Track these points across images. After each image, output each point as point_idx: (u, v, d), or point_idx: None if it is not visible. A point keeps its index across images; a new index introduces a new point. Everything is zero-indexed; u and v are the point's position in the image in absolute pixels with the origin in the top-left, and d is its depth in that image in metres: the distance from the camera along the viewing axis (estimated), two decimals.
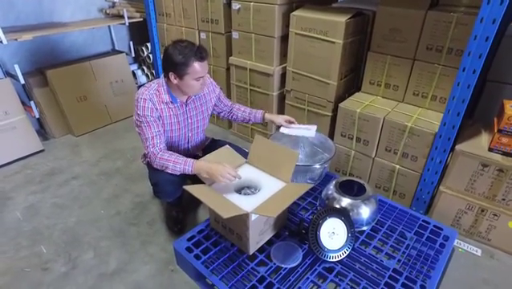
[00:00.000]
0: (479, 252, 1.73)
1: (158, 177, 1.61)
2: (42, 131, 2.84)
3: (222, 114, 1.90)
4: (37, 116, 2.57)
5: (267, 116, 1.85)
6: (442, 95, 1.87)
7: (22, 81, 2.37)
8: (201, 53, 1.47)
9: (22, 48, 2.59)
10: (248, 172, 1.64)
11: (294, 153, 1.57)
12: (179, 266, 1.65)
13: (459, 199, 1.75)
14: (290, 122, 1.83)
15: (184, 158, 1.54)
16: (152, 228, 1.89)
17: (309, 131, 1.83)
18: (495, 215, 1.68)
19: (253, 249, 1.52)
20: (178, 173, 1.54)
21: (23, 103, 2.51)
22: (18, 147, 2.45)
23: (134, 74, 3.31)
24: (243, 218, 1.40)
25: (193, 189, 1.44)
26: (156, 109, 1.56)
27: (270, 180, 1.60)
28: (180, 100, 1.64)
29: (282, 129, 1.85)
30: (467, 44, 1.48)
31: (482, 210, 1.71)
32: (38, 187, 2.21)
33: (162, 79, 1.60)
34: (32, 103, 2.50)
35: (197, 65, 1.46)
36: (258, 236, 1.51)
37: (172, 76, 1.51)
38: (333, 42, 1.96)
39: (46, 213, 2.00)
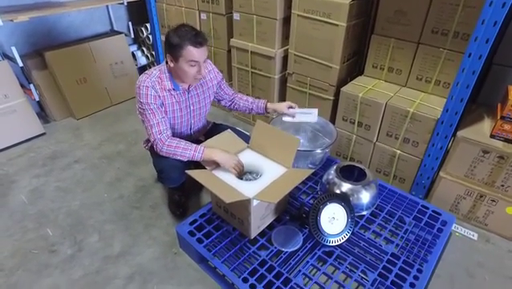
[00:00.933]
0: (475, 236, 1.76)
1: (163, 164, 1.62)
2: (42, 114, 2.84)
3: (223, 102, 1.89)
4: (37, 99, 2.55)
5: (270, 105, 1.83)
6: (446, 80, 1.84)
7: (21, 63, 2.34)
8: (197, 38, 1.44)
9: (18, 29, 2.54)
10: (249, 158, 1.65)
11: (296, 139, 1.57)
12: (182, 249, 1.69)
13: (458, 185, 1.77)
14: (292, 107, 1.81)
15: (194, 145, 1.56)
16: (155, 212, 1.93)
17: (310, 115, 1.82)
18: (493, 201, 1.70)
19: (254, 233, 1.55)
20: (186, 160, 1.56)
21: (23, 86, 2.49)
22: (19, 130, 2.46)
23: (134, 55, 3.26)
24: (245, 204, 1.42)
25: (195, 173, 1.46)
26: (159, 96, 1.55)
27: (272, 165, 1.61)
28: (183, 87, 1.63)
29: (284, 118, 1.85)
30: (474, 29, 1.44)
31: (481, 196, 1.73)
32: (42, 170, 2.24)
33: (164, 66, 1.58)
34: (31, 86, 2.48)
35: (191, 48, 1.44)
36: (259, 220, 1.54)
37: (169, 58, 1.51)
38: (336, 25, 1.91)
39: (50, 196, 2.03)
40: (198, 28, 2.59)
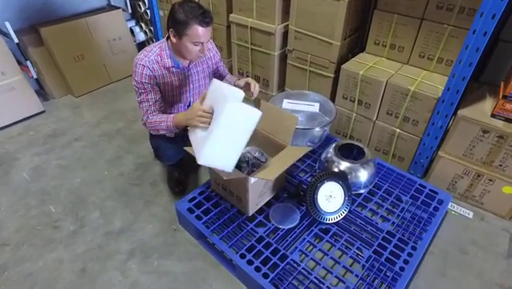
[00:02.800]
0: (471, 215, 1.79)
1: (158, 142, 1.63)
2: (41, 91, 2.82)
3: (222, 74, 1.86)
4: (35, 77, 2.52)
5: (237, 82, 1.75)
6: (449, 58, 1.80)
7: (16, 39, 2.30)
8: (204, 17, 1.38)
9: (11, 4, 2.47)
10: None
11: (294, 117, 1.56)
12: (181, 225, 1.73)
13: (457, 164, 1.77)
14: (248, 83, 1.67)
15: (165, 115, 1.54)
16: (155, 189, 1.95)
17: (312, 107, 1.83)
18: (490, 180, 1.71)
19: (252, 210, 1.58)
20: (168, 131, 1.55)
21: (19, 63, 2.46)
22: (18, 108, 2.45)
23: (132, 31, 3.19)
24: (243, 181, 1.44)
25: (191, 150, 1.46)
26: (155, 76, 1.53)
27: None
28: (183, 65, 1.60)
29: (284, 104, 1.84)
30: (481, 3, 1.39)
31: (478, 175, 1.73)
32: (42, 148, 2.25)
33: (164, 42, 1.54)
34: (28, 62, 2.45)
35: (197, 28, 1.39)
36: (257, 198, 1.56)
37: (171, 33, 1.46)
38: (338, 0, 1.85)
39: (51, 173, 2.06)
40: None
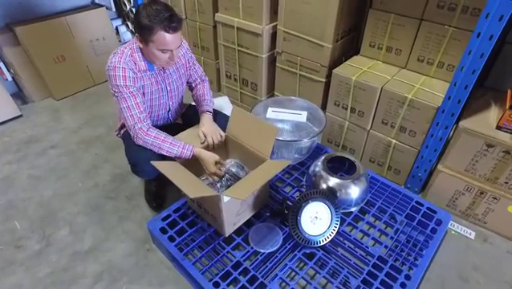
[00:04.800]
0: (473, 235, 1.63)
1: (137, 157, 1.48)
2: (20, 94, 2.68)
3: (193, 84, 1.70)
4: (9, 79, 2.39)
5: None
6: (450, 63, 1.64)
7: None
8: (170, 22, 1.23)
9: None
10: None
11: (274, 128, 1.41)
12: (155, 244, 1.59)
13: (457, 180, 1.61)
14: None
15: (181, 142, 1.43)
16: (131, 203, 1.81)
17: (299, 116, 1.70)
18: (495, 198, 1.54)
19: (229, 231, 1.43)
20: (173, 156, 1.43)
21: None
22: None
23: (117, 30, 3.04)
24: (215, 200, 1.29)
25: (161, 165, 1.32)
26: (137, 78, 1.39)
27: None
28: (157, 67, 1.45)
29: (269, 113, 1.69)
30: (487, 1, 1.23)
31: (481, 193, 1.57)
32: (15, 156, 2.11)
33: (134, 44, 1.39)
34: (1, 64, 2.31)
35: (163, 35, 1.25)
36: (234, 217, 1.41)
37: (137, 39, 1.32)
38: None
39: (21, 185, 1.92)
40: (182, 1, 2.38)
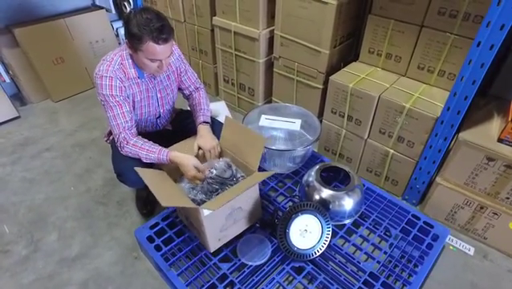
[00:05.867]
0: (472, 251, 1.56)
1: (122, 166, 1.45)
2: (20, 95, 2.68)
3: (186, 91, 1.65)
4: (7, 81, 2.39)
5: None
6: (451, 71, 1.57)
7: None
8: (160, 33, 1.20)
9: None
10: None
11: (261, 138, 1.37)
12: (143, 252, 1.56)
13: (456, 193, 1.55)
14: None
15: (158, 147, 1.38)
16: (122, 208, 1.79)
17: (293, 124, 1.65)
18: (495, 214, 1.48)
19: (213, 246, 1.38)
20: (150, 162, 1.39)
21: None
22: None
23: (117, 32, 3.03)
24: (195, 213, 1.26)
25: (144, 172, 1.29)
26: (125, 88, 1.36)
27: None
28: (147, 74, 1.42)
29: (262, 121, 1.65)
30: (487, 11, 1.17)
31: (481, 207, 1.50)
32: (9, 158, 2.11)
33: (125, 51, 1.36)
34: (0, 66, 2.31)
35: (152, 46, 1.22)
36: (218, 232, 1.35)
37: (127, 45, 1.29)
38: (325, 3, 1.64)
39: (14, 188, 1.91)
40: (180, 3, 2.35)
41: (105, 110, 1.37)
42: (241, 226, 1.45)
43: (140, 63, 1.31)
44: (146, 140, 1.41)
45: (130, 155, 1.39)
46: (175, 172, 1.43)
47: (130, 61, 1.36)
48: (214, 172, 1.42)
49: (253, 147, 1.38)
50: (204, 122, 1.54)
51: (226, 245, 1.43)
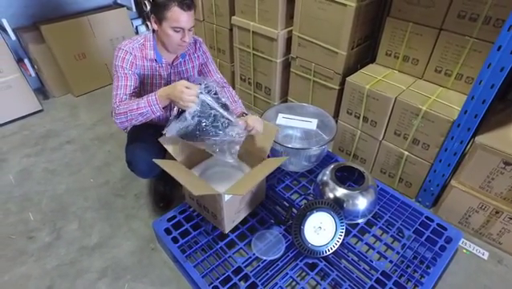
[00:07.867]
0: (486, 255, 1.56)
1: (133, 154, 1.49)
2: (43, 89, 2.78)
3: None
4: (33, 75, 2.48)
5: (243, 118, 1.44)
6: (469, 75, 1.58)
7: (13, 37, 2.25)
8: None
9: (16, 0, 2.43)
10: None
11: (274, 128, 1.42)
12: (159, 244, 1.61)
13: (471, 197, 1.55)
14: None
15: (144, 98, 1.29)
16: (139, 201, 1.84)
17: (310, 123, 1.68)
18: (511, 219, 1.47)
19: (228, 227, 1.46)
20: (145, 118, 1.32)
21: (21, 60, 2.42)
22: (14, 107, 2.41)
23: (137, 30, 3.10)
24: (216, 198, 1.30)
25: (163, 163, 1.34)
26: (136, 65, 1.43)
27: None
28: (166, 60, 1.49)
29: (279, 120, 1.69)
30: (510, 13, 1.17)
31: (497, 212, 1.50)
32: (33, 150, 2.19)
33: (150, 34, 1.46)
34: (27, 60, 2.40)
35: (177, 11, 1.29)
36: (233, 214, 1.43)
37: (153, 20, 1.37)
38: (344, 5, 1.66)
39: (37, 178, 1.99)
40: (200, 3, 2.40)
41: (114, 80, 1.43)
42: (249, 208, 1.54)
43: (164, 36, 1.37)
44: (129, 100, 1.37)
45: (123, 117, 1.32)
46: (187, 162, 1.48)
47: (152, 42, 1.44)
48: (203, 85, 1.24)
49: (263, 136, 1.43)
50: (243, 113, 1.54)
51: (241, 239, 1.47)
